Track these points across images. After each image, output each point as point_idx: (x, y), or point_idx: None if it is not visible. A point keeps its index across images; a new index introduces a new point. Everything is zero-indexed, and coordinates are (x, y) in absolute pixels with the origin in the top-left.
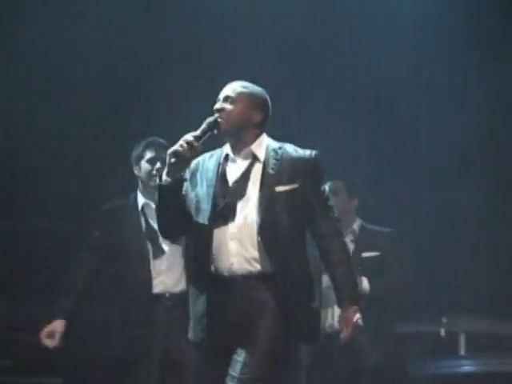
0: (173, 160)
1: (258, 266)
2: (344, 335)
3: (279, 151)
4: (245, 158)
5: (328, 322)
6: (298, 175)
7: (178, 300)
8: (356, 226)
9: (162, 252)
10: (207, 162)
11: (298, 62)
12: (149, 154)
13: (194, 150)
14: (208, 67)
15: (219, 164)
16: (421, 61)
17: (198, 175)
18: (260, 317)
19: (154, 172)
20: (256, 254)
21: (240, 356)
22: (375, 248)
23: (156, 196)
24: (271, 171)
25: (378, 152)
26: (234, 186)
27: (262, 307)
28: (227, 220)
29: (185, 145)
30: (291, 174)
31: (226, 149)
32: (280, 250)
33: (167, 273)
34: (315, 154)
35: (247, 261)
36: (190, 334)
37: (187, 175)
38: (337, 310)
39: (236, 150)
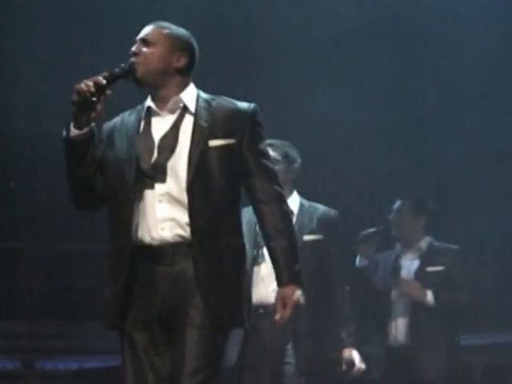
0: (76, 99)
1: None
2: (280, 316)
3: (213, 102)
4: (172, 109)
5: (392, 335)
6: (234, 129)
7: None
8: (423, 243)
9: (263, 259)
10: (126, 119)
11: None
12: None
13: (101, 91)
14: None
15: (141, 119)
16: None
17: (116, 135)
18: (188, 298)
19: None
20: (187, 218)
21: (175, 351)
22: (441, 264)
23: (65, 153)
24: (204, 124)
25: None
26: (161, 141)
27: (191, 284)
28: (155, 181)
29: (90, 83)
30: (227, 127)
31: (148, 102)
32: (209, 213)
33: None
34: (254, 107)
35: (180, 226)
36: (105, 323)
37: (103, 136)
38: (401, 323)
39: (160, 101)
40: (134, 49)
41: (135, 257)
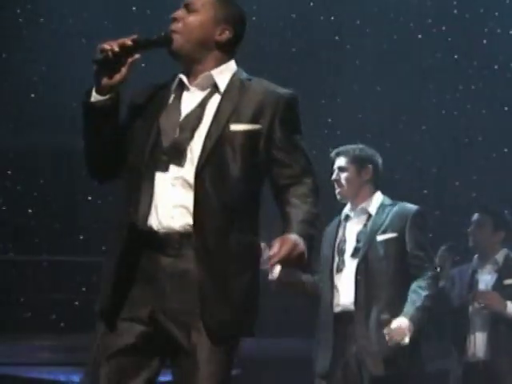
0: (97, 57)
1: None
2: (273, 253)
3: (247, 83)
4: (202, 86)
5: (470, 350)
6: (263, 114)
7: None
8: (499, 256)
9: (344, 265)
10: (157, 90)
11: None
12: None
13: (126, 53)
14: None
15: (171, 92)
16: None
17: (143, 105)
18: (190, 306)
19: None
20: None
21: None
22: None
23: (83, 119)
24: (229, 105)
25: None
26: (185, 120)
27: (193, 287)
28: (170, 162)
29: (114, 43)
30: (255, 111)
31: (181, 74)
32: (218, 205)
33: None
34: (292, 94)
35: (190, 214)
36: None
37: (128, 101)
38: (480, 337)
39: (192, 75)
40: (174, 14)
41: (137, 242)
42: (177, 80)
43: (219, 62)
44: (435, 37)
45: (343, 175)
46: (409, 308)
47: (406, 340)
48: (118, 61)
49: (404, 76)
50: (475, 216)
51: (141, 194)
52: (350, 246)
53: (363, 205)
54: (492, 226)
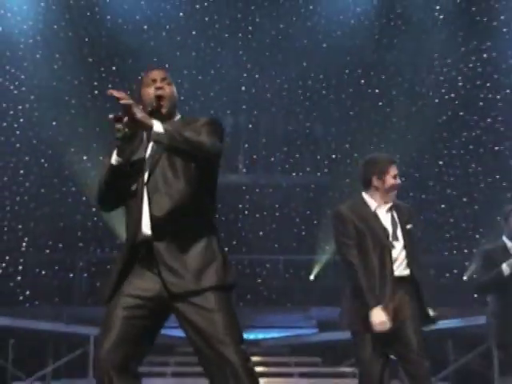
0: (120, 136)
1: None
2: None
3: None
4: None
5: None
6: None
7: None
8: None
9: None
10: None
11: None
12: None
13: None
14: None
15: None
16: None
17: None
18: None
19: None
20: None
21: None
22: None
23: (107, 174)
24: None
25: None
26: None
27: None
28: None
29: (126, 125)
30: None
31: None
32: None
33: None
34: (211, 117)
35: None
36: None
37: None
38: None
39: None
40: (158, 85)
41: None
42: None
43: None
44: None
45: None
46: None
47: None
48: (131, 133)
49: None
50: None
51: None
52: None
53: None
54: None
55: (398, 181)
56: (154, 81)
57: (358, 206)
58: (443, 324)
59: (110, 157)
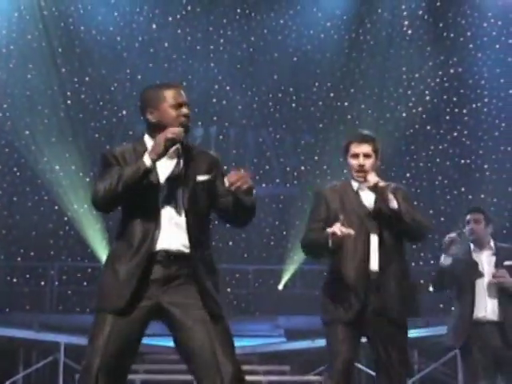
0: (169, 145)
1: None
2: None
3: None
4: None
5: (481, 313)
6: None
7: None
8: (492, 244)
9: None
10: (137, 147)
11: None
12: None
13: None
14: None
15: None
16: None
17: (129, 158)
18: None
19: None
20: None
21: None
22: (510, 258)
23: (135, 176)
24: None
25: None
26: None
27: None
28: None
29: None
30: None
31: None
32: None
33: None
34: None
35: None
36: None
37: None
38: (491, 304)
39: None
40: (187, 113)
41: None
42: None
43: None
44: None
45: None
46: None
47: None
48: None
49: None
50: (469, 215)
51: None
52: None
53: None
54: (484, 221)
55: (357, 161)
56: (181, 105)
57: (341, 186)
58: (409, 333)
59: (121, 163)
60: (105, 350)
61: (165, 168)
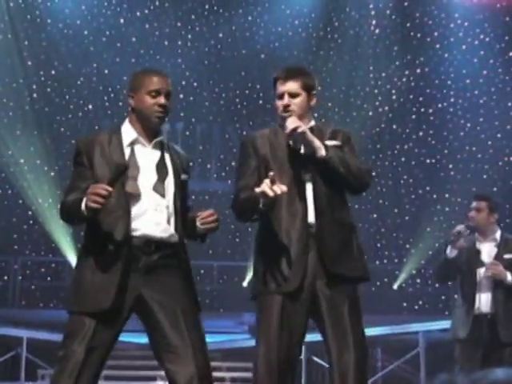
0: (95, 207)
1: None
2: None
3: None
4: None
5: (476, 305)
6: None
7: None
8: (497, 235)
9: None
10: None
11: None
12: None
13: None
14: None
15: (122, 146)
16: None
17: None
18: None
19: None
20: None
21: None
22: None
23: (80, 217)
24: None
25: None
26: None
27: None
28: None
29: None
30: None
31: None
32: None
33: None
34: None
35: None
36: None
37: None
38: (485, 297)
39: (148, 138)
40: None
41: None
42: (133, 138)
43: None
44: None
45: None
46: None
47: None
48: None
49: None
50: (474, 203)
51: None
52: None
53: None
54: (487, 210)
55: (281, 101)
56: (159, 93)
57: (271, 131)
58: (373, 331)
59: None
60: (86, 359)
61: (151, 158)
